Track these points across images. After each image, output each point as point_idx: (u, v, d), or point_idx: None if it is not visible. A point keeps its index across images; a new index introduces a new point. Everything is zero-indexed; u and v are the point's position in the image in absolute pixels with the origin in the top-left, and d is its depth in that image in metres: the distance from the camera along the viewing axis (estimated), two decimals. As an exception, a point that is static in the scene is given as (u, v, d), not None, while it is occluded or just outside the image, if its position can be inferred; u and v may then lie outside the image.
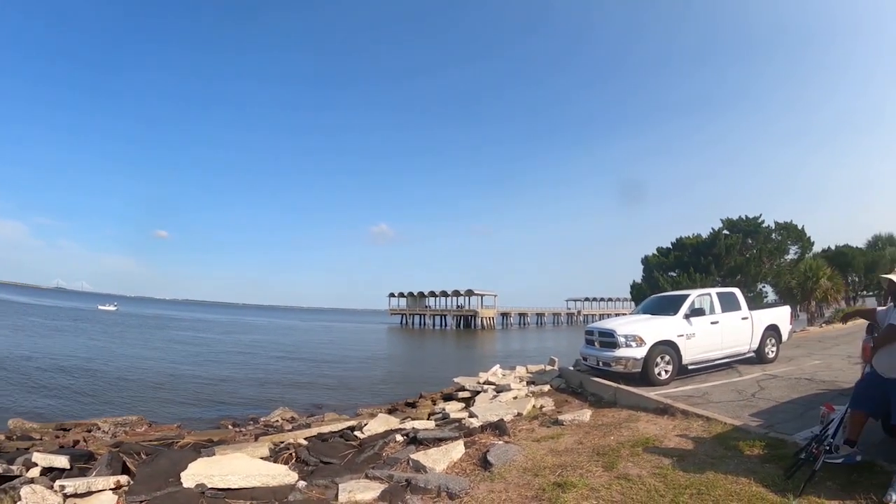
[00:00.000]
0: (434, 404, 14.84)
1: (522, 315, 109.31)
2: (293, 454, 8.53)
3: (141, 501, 5.78)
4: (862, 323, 6.51)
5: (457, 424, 9.93)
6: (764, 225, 36.34)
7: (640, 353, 11.29)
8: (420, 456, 7.12)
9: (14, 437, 12.12)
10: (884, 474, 5.03)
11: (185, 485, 6.08)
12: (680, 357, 11.71)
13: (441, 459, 7.01)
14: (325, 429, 11.16)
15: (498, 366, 17.23)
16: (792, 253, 37.00)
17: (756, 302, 26.38)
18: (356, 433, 10.34)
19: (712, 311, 12.71)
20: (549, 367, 16.22)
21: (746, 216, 36.66)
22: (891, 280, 5.30)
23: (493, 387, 13.84)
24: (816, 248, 38.71)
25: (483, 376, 15.60)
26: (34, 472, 7.38)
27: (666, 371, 11.50)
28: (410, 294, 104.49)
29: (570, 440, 7.85)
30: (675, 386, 11.15)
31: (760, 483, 5.19)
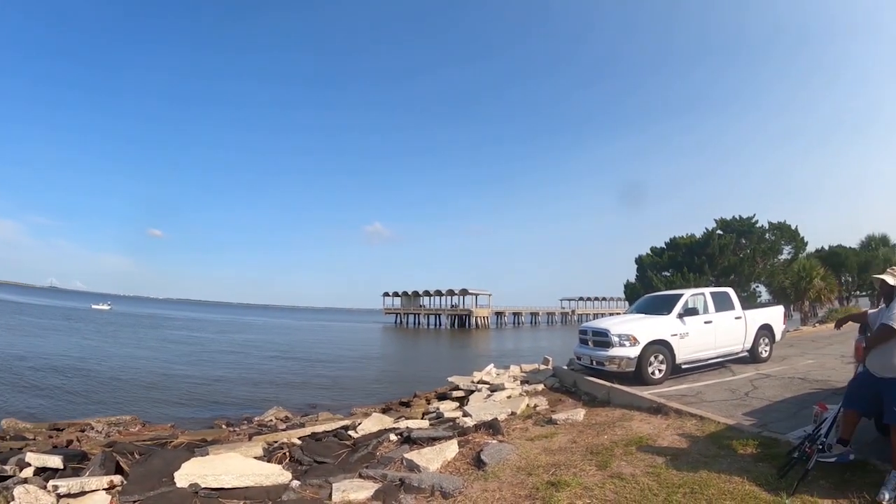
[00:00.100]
0: (428, 403, 14.82)
1: (517, 314, 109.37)
2: (287, 454, 8.51)
3: (134, 501, 5.75)
4: (854, 324, 6.53)
5: (451, 424, 9.92)
6: (757, 225, 36.45)
7: (633, 352, 11.29)
8: (414, 455, 7.12)
9: (7, 437, 12.04)
10: (877, 473, 5.05)
11: (178, 484, 6.06)
12: (673, 356, 11.72)
13: (435, 459, 7.00)
14: (319, 428, 11.14)
15: (492, 365, 17.24)
16: (785, 253, 37.10)
17: (749, 302, 26.40)
18: (350, 432, 10.31)
19: (706, 310, 12.72)
20: (543, 367, 16.22)
21: (740, 216, 36.77)
22: (883, 280, 5.31)
23: (487, 386, 13.83)
24: (810, 249, 38.87)
25: (477, 375, 15.60)
26: (28, 473, 7.35)
27: (659, 370, 11.51)
28: (405, 293, 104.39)
29: (563, 439, 7.85)
30: (668, 385, 11.16)
31: (754, 482, 5.20)
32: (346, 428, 10.92)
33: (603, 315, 49.78)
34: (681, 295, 12.85)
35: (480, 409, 10.64)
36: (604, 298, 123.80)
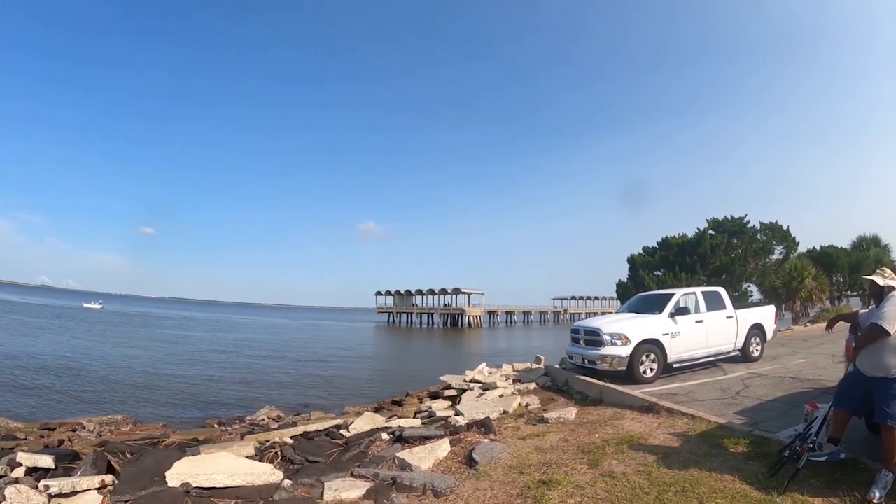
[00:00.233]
0: (420, 402, 14.81)
1: (509, 313, 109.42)
2: (279, 453, 8.48)
3: (126, 501, 5.72)
4: (846, 323, 6.55)
5: (443, 423, 9.91)
6: (749, 225, 36.60)
7: (625, 351, 11.31)
8: (406, 454, 7.11)
9: (-2, 436, 11.98)
10: (867, 472, 5.07)
11: (169, 484, 6.02)
12: (665, 355, 11.75)
13: (427, 458, 7.00)
14: (311, 427, 11.12)
15: (484, 364, 17.24)
16: (777, 253, 37.27)
17: (741, 301, 26.52)
18: (342, 432, 10.28)
19: (697, 310, 12.76)
20: (535, 366, 16.23)
21: (732, 216, 36.92)
22: (873, 281, 5.33)
23: (479, 385, 13.82)
24: (802, 249, 39.02)
25: (469, 374, 15.58)
26: (19, 472, 7.30)
27: (651, 369, 11.53)
28: (398, 292, 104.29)
29: (555, 438, 7.86)
30: (660, 384, 11.17)
31: (744, 480, 5.21)
32: (338, 427, 10.89)
33: (595, 314, 49.85)
34: (672, 294, 12.87)
35: (472, 407, 10.64)
36: (596, 298, 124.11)
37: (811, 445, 5.24)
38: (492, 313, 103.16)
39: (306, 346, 49.14)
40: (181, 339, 50.18)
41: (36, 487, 5.93)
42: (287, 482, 6.48)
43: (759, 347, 13.77)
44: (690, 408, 8.61)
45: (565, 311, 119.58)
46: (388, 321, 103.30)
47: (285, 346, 47.00)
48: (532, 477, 5.94)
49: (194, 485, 6.02)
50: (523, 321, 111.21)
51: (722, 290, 13.73)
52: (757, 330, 13.74)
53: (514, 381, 13.88)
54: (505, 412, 10.31)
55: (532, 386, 13.02)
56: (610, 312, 23.26)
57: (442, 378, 16.12)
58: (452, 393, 14.18)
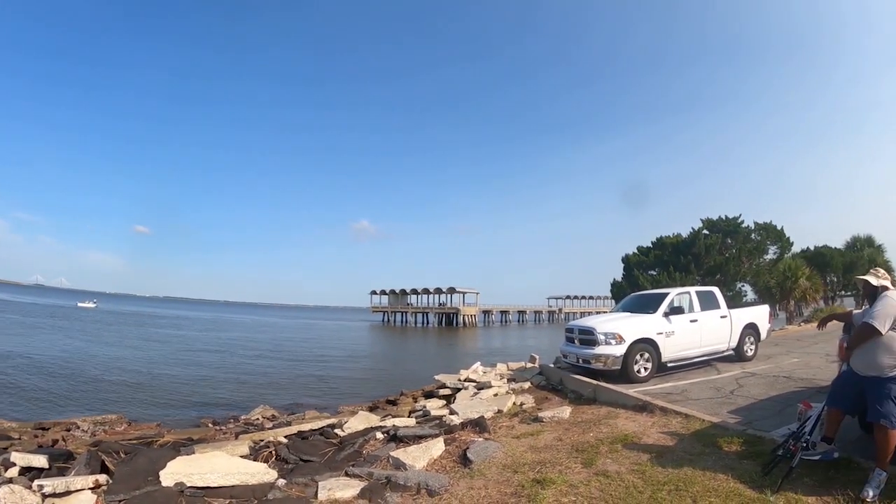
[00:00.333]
0: (415, 402, 14.79)
1: (504, 312, 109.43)
2: (273, 452, 8.46)
3: (120, 500, 5.69)
4: (838, 322, 6.57)
5: (437, 422, 9.90)
6: (743, 225, 36.77)
7: (619, 350, 11.32)
8: (400, 453, 7.09)
9: (-9, 436, 11.92)
10: (860, 471, 5.08)
11: (164, 483, 5.99)
12: (659, 355, 11.77)
13: (421, 457, 6.98)
14: (306, 427, 11.09)
15: (479, 363, 17.24)
16: (771, 253, 37.45)
17: (735, 301, 26.62)
18: (336, 431, 10.26)
19: (691, 309, 12.78)
20: (529, 365, 16.23)
21: (726, 216, 37.07)
22: (866, 281, 5.34)
23: (473, 384, 13.81)
24: (796, 249, 39.21)
25: (464, 373, 15.59)
26: (12, 472, 7.24)
27: (645, 368, 11.55)
28: (392, 291, 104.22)
29: (549, 437, 7.86)
30: (654, 383, 11.19)
31: (738, 479, 5.22)
32: (332, 426, 10.86)
33: (589, 314, 49.91)
34: (667, 294, 12.89)
35: (467, 407, 10.63)
36: (591, 297, 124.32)
37: (805, 444, 5.25)
38: (486, 312, 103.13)
39: (300, 345, 49.06)
40: (175, 339, 50.00)
41: (30, 487, 5.87)
42: (281, 481, 6.46)
43: (752, 347, 13.82)
44: (684, 407, 8.63)
45: (560, 310, 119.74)
46: (383, 320, 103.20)
47: (279, 346, 46.90)
48: (526, 476, 5.94)
49: (188, 484, 5.99)
50: (518, 320, 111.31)
51: (716, 290, 13.76)
52: (751, 329, 13.78)
53: (509, 381, 13.87)
54: (499, 411, 10.31)
55: (526, 385, 13.03)
56: (604, 312, 23.29)
57: (436, 377, 16.12)
58: (447, 392, 14.17)
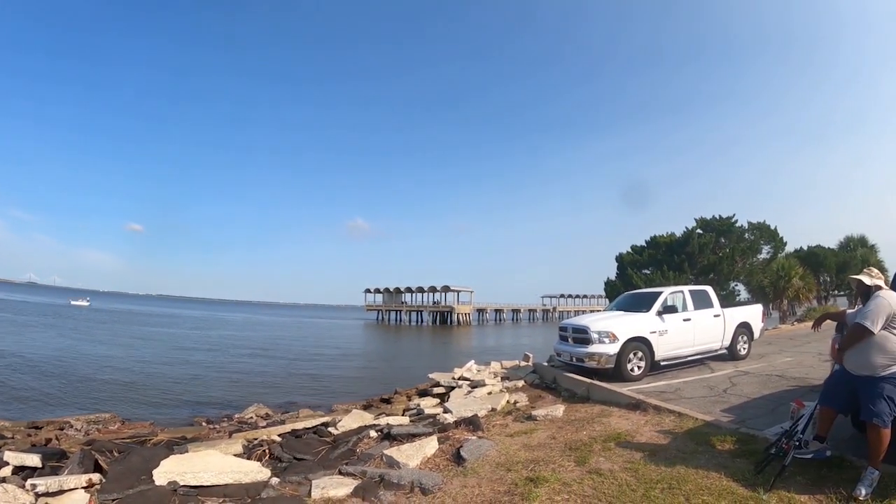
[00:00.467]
0: (409, 400, 14.80)
1: (498, 311, 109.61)
2: (267, 451, 8.44)
3: (113, 499, 5.67)
4: (831, 323, 6.59)
5: (431, 420, 9.90)
6: (737, 224, 36.81)
7: (613, 349, 11.34)
8: (394, 452, 7.09)
9: (-16, 435, 11.86)
10: (853, 469, 5.10)
11: (157, 482, 5.97)
12: (652, 353, 11.79)
13: (415, 455, 6.98)
14: (299, 425, 11.07)
15: (473, 361, 17.24)
16: (764, 252, 37.50)
17: (728, 300, 26.67)
18: (330, 429, 10.25)
19: (685, 308, 12.81)
20: (523, 363, 16.25)
21: (720, 216, 37.10)
22: (860, 280, 5.35)
23: (467, 382, 13.82)
24: (789, 249, 39.29)
25: (458, 372, 15.59)
26: (6, 472, 7.20)
27: (638, 367, 11.57)
28: (387, 290, 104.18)
29: (543, 435, 7.87)
30: (647, 382, 11.20)
31: (731, 477, 5.24)
32: (326, 425, 10.85)
33: (583, 312, 49.99)
34: (660, 293, 12.91)
35: (461, 405, 10.64)
36: (584, 296, 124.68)
37: (797, 443, 5.27)
38: (481, 311, 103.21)
39: (294, 343, 48.92)
40: (168, 337, 49.77)
41: (23, 486, 5.86)
42: (275, 480, 6.45)
43: (746, 346, 13.86)
44: (677, 405, 8.65)
45: (554, 308, 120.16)
46: (377, 319, 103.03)
47: (273, 344, 46.75)
48: (520, 474, 5.95)
49: (182, 483, 5.98)
50: (512, 319, 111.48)
51: (709, 289, 13.80)
52: (744, 328, 13.82)
53: (503, 379, 13.89)
54: (493, 409, 10.32)
55: (520, 383, 13.04)
56: (598, 310, 23.34)
57: (430, 376, 16.11)
58: (441, 390, 14.17)
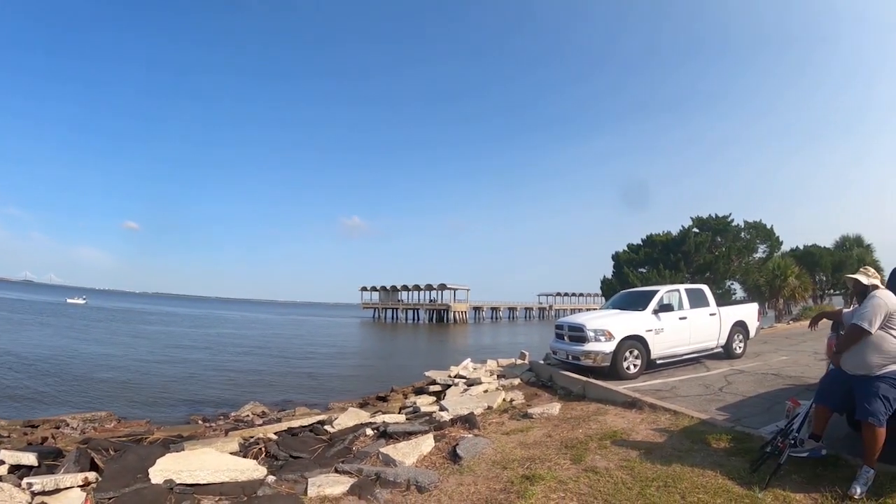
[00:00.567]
0: (405, 398, 14.81)
1: (495, 309, 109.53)
2: (263, 449, 8.43)
3: (109, 498, 5.65)
4: (828, 322, 6.60)
5: (427, 418, 9.90)
6: (733, 224, 36.90)
7: (608, 347, 11.35)
8: (390, 450, 7.08)
9: (-20, 434, 11.83)
10: (848, 468, 5.11)
11: (153, 480, 5.95)
12: (648, 352, 11.81)
13: (411, 453, 6.98)
14: (296, 423, 11.08)
15: (469, 359, 17.22)
16: (760, 251, 37.62)
17: (724, 299, 26.73)
18: (326, 427, 10.24)
19: (681, 306, 12.83)
20: (519, 361, 16.24)
21: (716, 215, 37.20)
22: (857, 280, 5.35)
23: (463, 380, 13.82)
24: (785, 248, 39.42)
25: (454, 370, 15.58)
26: (2, 470, 7.15)
27: (634, 365, 11.59)
28: (383, 288, 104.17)
29: (539, 433, 7.87)
30: (643, 380, 11.22)
31: (726, 476, 5.25)
32: (322, 423, 10.86)
33: (580, 310, 50.05)
34: (656, 291, 12.92)
35: (457, 403, 10.64)
36: (581, 294, 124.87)
37: (793, 441, 5.27)
38: (477, 309, 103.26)
39: (290, 341, 48.87)
40: (165, 335, 49.66)
41: (19, 485, 5.82)
42: (271, 478, 6.44)
43: (741, 344, 13.89)
44: (673, 403, 8.66)
45: (550, 307, 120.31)
46: (374, 317, 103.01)
47: (269, 342, 46.69)
48: (516, 472, 5.95)
49: (178, 481, 5.96)
50: (508, 317, 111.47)
51: (705, 288, 13.82)
52: (740, 327, 13.85)
53: (499, 377, 13.88)
54: (489, 407, 10.32)
55: (516, 381, 13.04)
56: (594, 309, 23.34)
57: (427, 374, 16.13)
58: (437, 388, 14.19)
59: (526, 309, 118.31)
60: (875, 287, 5.21)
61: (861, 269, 5.48)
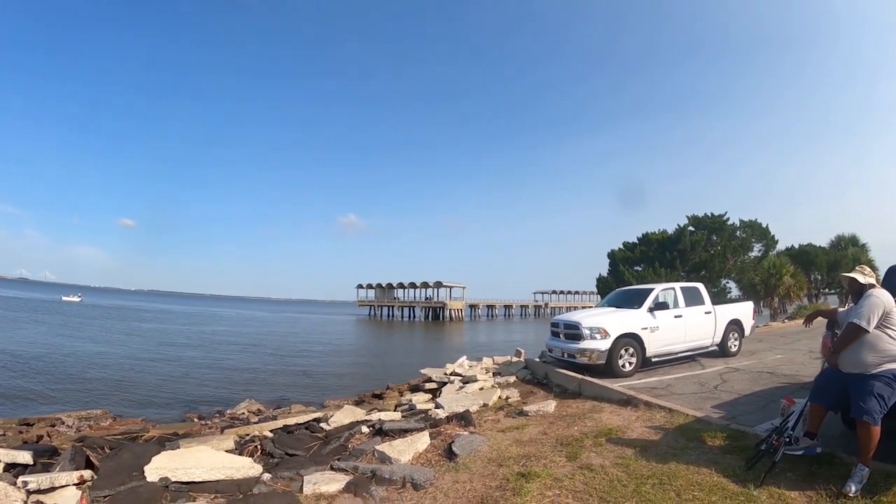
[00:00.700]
0: (401, 395, 14.81)
1: (490, 307, 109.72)
2: (258, 446, 8.41)
3: (105, 496, 5.63)
4: (822, 320, 6.61)
5: (423, 415, 9.91)
6: (729, 222, 36.92)
7: (604, 345, 11.38)
8: (385, 447, 7.07)
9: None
10: (843, 466, 5.12)
11: (148, 478, 5.94)
12: (644, 349, 11.84)
13: (406, 450, 6.97)
14: (291, 421, 11.05)
15: (465, 357, 17.25)
16: (756, 250, 37.70)
17: (720, 297, 26.77)
18: (322, 425, 10.24)
19: (676, 305, 12.86)
20: (515, 359, 16.28)
21: (712, 213, 37.21)
22: (853, 279, 5.35)
23: (459, 378, 13.84)
24: (781, 247, 39.53)
25: (450, 367, 15.61)
26: (-3, 469, 7.17)
27: (630, 363, 11.62)
28: (379, 285, 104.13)
29: (534, 431, 7.87)
30: (638, 378, 11.25)
31: (721, 473, 5.25)
32: (318, 420, 10.86)
33: (575, 308, 50.08)
34: (651, 289, 12.96)
35: (453, 400, 10.64)
36: (576, 292, 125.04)
37: (788, 439, 5.28)
38: (473, 307, 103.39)
39: (286, 339, 48.79)
40: (160, 333, 49.50)
41: (14, 484, 5.79)
42: (266, 476, 6.42)
43: (736, 343, 13.93)
44: (668, 401, 8.68)
45: (546, 305, 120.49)
46: (370, 314, 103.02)
47: (265, 340, 46.63)
48: (511, 469, 5.94)
49: (173, 479, 5.95)
50: (504, 315, 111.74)
51: (701, 286, 13.84)
52: (735, 325, 13.89)
53: (495, 375, 13.91)
54: (485, 405, 10.32)
55: (512, 379, 13.05)
56: (590, 307, 23.38)
57: (422, 371, 16.15)
58: (433, 386, 14.20)
59: (522, 307, 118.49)
60: (872, 286, 5.22)
61: (857, 268, 5.49)
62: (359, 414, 10.93)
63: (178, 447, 7.91)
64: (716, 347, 13.45)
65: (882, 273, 7.10)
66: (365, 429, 9.09)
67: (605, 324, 11.63)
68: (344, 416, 10.62)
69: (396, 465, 6.50)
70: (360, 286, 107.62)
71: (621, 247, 39.47)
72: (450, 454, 6.83)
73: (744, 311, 14.48)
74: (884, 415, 4.80)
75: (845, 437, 5.87)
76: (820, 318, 6.48)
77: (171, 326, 59.09)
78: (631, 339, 11.71)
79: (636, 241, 39.01)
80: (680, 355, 12.79)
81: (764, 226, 37.64)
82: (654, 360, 12.21)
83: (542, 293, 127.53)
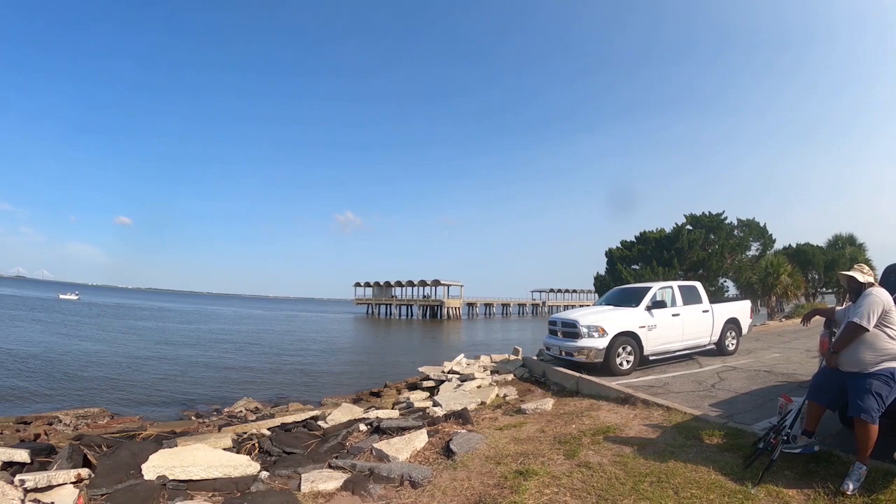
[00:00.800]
0: (399, 394, 14.81)
1: (488, 305, 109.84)
2: (256, 444, 8.41)
3: (102, 494, 5.63)
4: (820, 319, 6.61)
5: (421, 413, 9.92)
6: (726, 221, 36.94)
7: (602, 343, 11.39)
8: (383, 445, 7.08)
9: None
10: (841, 464, 5.12)
11: (146, 477, 5.93)
12: (641, 348, 11.86)
13: (404, 448, 6.97)
14: (289, 419, 11.05)
15: (462, 355, 17.25)
16: (753, 249, 37.76)
17: (717, 296, 26.79)
18: (320, 423, 10.26)
19: (674, 303, 12.86)
20: (512, 357, 16.29)
21: (710, 212, 37.23)
22: (852, 277, 5.34)
23: (457, 376, 13.85)
24: (778, 246, 39.56)
25: (448, 366, 15.60)
26: (-6, 468, 7.16)
27: (627, 361, 11.63)
28: (377, 284, 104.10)
29: (532, 429, 7.87)
30: (636, 376, 11.26)
31: (719, 471, 5.25)
32: (315, 418, 10.86)
33: (573, 307, 50.11)
34: (649, 288, 12.96)
35: (450, 398, 10.63)
36: (574, 290, 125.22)
37: (785, 438, 5.28)
38: (471, 305, 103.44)
39: (284, 337, 48.77)
40: (158, 331, 49.47)
41: (11, 482, 5.78)
42: (264, 474, 6.43)
43: (734, 341, 13.94)
44: (666, 399, 8.68)
45: (543, 303, 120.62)
46: (367, 312, 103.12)
47: (262, 338, 46.58)
48: (509, 467, 5.94)
49: (171, 477, 5.95)
50: (502, 313, 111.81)
51: (698, 285, 13.85)
52: (732, 324, 13.89)
53: (492, 373, 13.92)
54: (483, 403, 10.33)
55: (510, 377, 13.07)
56: (588, 305, 23.42)
57: (420, 369, 16.14)
58: (431, 384, 14.20)
59: (519, 305, 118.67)
60: (870, 284, 5.22)
61: (856, 267, 5.48)
62: (356, 412, 10.94)
63: (176, 445, 7.90)
64: (713, 346, 13.46)
65: (879, 272, 7.10)
66: (363, 427, 9.09)
67: (602, 322, 11.64)
68: (342, 414, 10.63)
69: (394, 462, 6.50)
70: (357, 284, 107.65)
71: (619, 245, 39.46)
72: (448, 452, 6.83)
73: (741, 309, 14.49)
74: (881, 413, 4.81)
75: (843, 436, 5.88)
76: (818, 317, 6.48)
77: (168, 324, 59.04)
78: (629, 338, 11.72)
79: (634, 239, 39.01)
80: (678, 354, 12.81)
81: (761, 225, 37.74)
82: (651, 358, 12.22)
83: (540, 291, 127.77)
